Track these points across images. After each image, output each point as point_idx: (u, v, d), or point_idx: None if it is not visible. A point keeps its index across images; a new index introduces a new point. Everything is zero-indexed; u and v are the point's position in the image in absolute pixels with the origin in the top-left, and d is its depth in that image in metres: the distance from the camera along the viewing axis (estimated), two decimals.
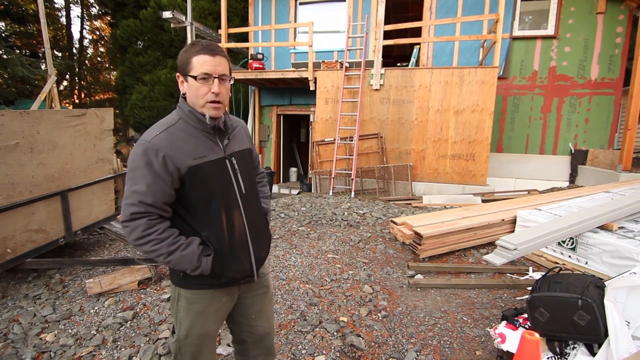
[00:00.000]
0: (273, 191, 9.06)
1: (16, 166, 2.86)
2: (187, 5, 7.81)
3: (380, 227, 4.56)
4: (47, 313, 2.63)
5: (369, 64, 6.94)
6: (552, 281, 2.00)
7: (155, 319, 2.54)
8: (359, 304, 2.74)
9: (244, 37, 10.20)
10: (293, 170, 10.16)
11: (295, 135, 11.07)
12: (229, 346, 2.20)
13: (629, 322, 1.82)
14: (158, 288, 3.01)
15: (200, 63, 1.19)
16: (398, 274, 3.28)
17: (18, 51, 12.55)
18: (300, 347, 2.24)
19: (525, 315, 2.08)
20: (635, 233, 3.05)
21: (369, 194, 6.89)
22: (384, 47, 6.84)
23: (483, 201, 5.91)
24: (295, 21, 8.58)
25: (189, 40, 7.98)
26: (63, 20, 18.55)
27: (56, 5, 17.74)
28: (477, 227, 3.76)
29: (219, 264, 1.28)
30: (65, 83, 19.31)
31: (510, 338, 2.00)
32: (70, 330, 2.44)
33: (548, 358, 1.86)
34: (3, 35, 12.82)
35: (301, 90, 8.39)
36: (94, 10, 20.33)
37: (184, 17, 7.81)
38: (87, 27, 21.05)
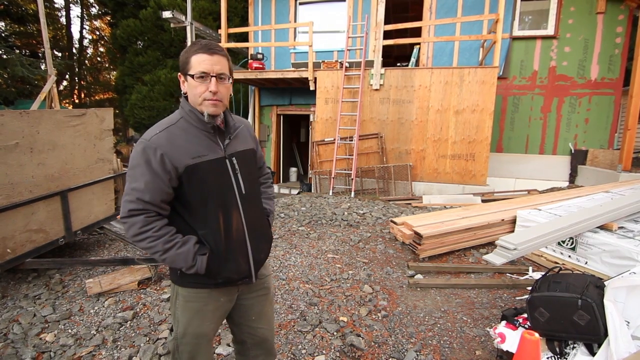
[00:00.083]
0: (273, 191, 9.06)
1: (16, 166, 2.86)
2: (187, 5, 7.81)
3: (380, 227, 4.57)
4: (47, 313, 2.63)
5: (369, 64, 6.94)
6: (552, 281, 2.00)
7: (155, 319, 2.54)
8: (358, 304, 2.74)
9: (244, 37, 10.20)
10: (293, 170, 10.16)
11: (295, 135, 11.07)
12: (229, 346, 2.20)
13: (628, 322, 1.82)
14: (158, 288, 3.01)
15: (198, 62, 1.20)
16: (398, 274, 3.28)
17: (18, 51, 12.55)
18: (300, 347, 2.24)
19: (525, 315, 2.08)
20: (635, 233, 3.05)
21: (368, 194, 6.89)
22: (384, 47, 6.84)
23: (483, 201, 5.91)
24: (295, 21, 8.58)
25: (188, 40, 7.99)
26: (63, 20, 18.56)
27: (56, 5, 17.75)
28: (476, 227, 3.76)
29: (214, 264, 1.28)
30: (65, 83, 19.32)
31: (510, 338, 2.00)
32: (70, 330, 2.44)
33: (548, 358, 1.86)
34: (3, 35, 12.82)
35: (301, 90, 8.39)
36: (93, 10, 20.34)
37: (183, 17, 7.81)
38: (87, 27, 21.07)
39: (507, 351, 1.98)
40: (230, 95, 1.34)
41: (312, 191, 7.52)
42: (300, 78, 7.50)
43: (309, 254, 3.75)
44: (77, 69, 19.51)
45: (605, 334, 1.74)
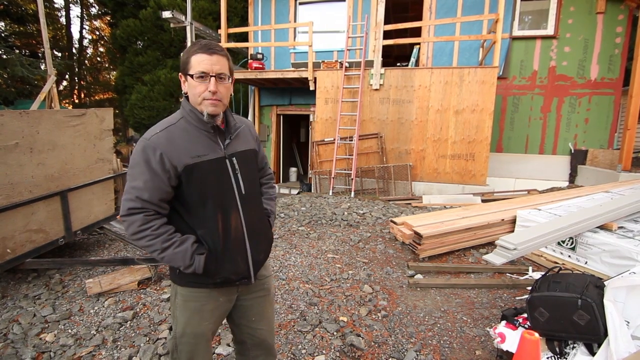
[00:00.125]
0: None
1: (16, 166, 2.86)
2: (186, 5, 7.81)
3: (380, 227, 4.57)
4: (46, 313, 2.63)
5: (369, 64, 6.94)
6: (551, 281, 2.00)
7: (155, 319, 2.54)
8: (358, 304, 2.75)
9: (243, 37, 10.20)
10: (293, 170, 10.16)
11: (295, 135, 11.07)
12: (229, 346, 2.20)
13: (628, 322, 1.82)
14: (158, 288, 3.01)
15: (198, 62, 1.20)
16: (398, 274, 3.28)
17: (17, 51, 12.55)
18: (300, 346, 2.24)
19: (525, 315, 2.08)
20: (635, 233, 3.05)
21: (368, 194, 6.89)
22: (384, 47, 6.84)
23: (483, 201, 5.91)
24: (295, 21, 8.58)
25: (188, 40, 7.99)
26: (63, 20, 18.56)
27: (56, 5, 17.74)
28: (476, 227, 3.76)
29: (212, 264, 1.28)
30: (64, 83, 19.32)
31: (510, 338, 2.00)
32: (70, 330, 2.44)
33: (548, 358, 1.86)
34: (3, 35, 12.82)
35: (301, 90, 8.39)
36: (93, 10, 20.34)
37: (183, 17, 7.81)
38: (87, 27, 21.06)
39: (507, 351, 1.98)
40: (231, 95, 1.34)
41: (312, 191, 7.51)
42: (300, 78, 7.50)
43: (308, 254, 3.75)
44: (77, 69, 19.51)
45: (605, 334, 1.74)
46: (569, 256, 3.27)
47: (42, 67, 10.84)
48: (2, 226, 2.79)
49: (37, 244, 3.09)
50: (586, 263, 3.11)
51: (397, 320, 2.54)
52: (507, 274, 3.25)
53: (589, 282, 1.91)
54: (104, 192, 3.81)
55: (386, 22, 6.93)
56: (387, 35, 6.86)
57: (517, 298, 2.85)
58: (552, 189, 6.78)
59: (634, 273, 2.06)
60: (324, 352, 2.18)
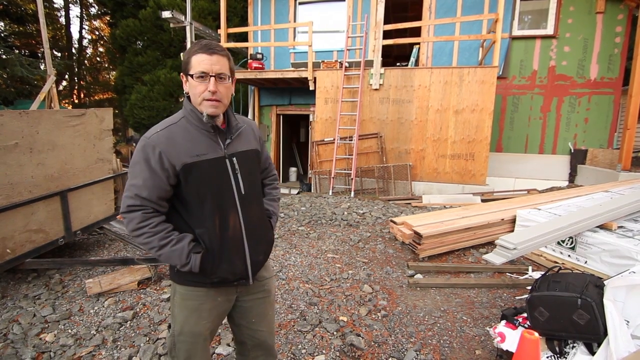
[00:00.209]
0: None
1: (15, 166, 2.86)
2: (186, 5, 7.81)
3: (380, 227, 4.57)
4: (46, 313, 2.63)
5: (369, 64, 6.94)
6: (551, 280, 2.00)
7: (155, 318, 2.54)
8: (358, 304, 2.75)
9: (243, 37, 10.20)
10: (293, 170, 10.16)
11: (295, 135, 11.07)
12: (229, 346, 2.20)
13: (628, 321, 1.82)
14: (158, 288, 3.01)
15: (198, 62, 1.21)
16: (398, 274, 3.29)
17: (17, 51, 12.55)
18: (300, 346, 2.24)
19: (525, 315, 2.08)
20: (635, 232, 3.06)
21: (368, 194, 6.89)
22: (384, 46, 6.84)
23: (482, 201, 5.91)
24: (294, 21, 8.58)
25: (188, 40, 7.98)
26: (62, 20, 18.56)
27: (55, 5, 17.75)
28: (476, 226, 3.76)
29: (209, 263, 1.28)
30: (64, 83, 19.31)
31: (510, 337, 2.00)
32: (70, 330, 2.44)
33: (547, 357, 1.86)
34: (2, 35, 12.81)
35: (301, 90, 8.39)
36: (93, 10, 20.34)
37: (183, 17, 7.81)
38: (86, 27, 21.07)
39: (506, 350, 1.99)
40: (232, 94, 1.34)
41: (312, 191, 7.52)
42: (300, 78, 7.50)
43: (308, 253, 3.75)
44: (76, 69, 19.51)
45: (605, 333, 1.74)
46: (569, 256, 3.27)
47: (42, 67, 10.85)
48: (2, 226, 2.79)
49: (37, 244, 3.09)
50: (586, 262, 3.11)
51: (397, 320, 2.54)
52: (507, 274, 3.25)
53: (589, 281, 1.91)
54: (104, 192, 3.80)
55: (386, 21, 6.93)
56: (386, 35, 6.86)
57: (517, 297, 2.85)
58: (551, 189, 6.79)
59: (634, 272, 2.06)
60: (324, 351, 2.18)
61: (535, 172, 7.70)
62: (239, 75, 7.80)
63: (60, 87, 18.75)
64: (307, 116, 9.04)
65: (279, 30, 8.62)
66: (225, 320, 1.51)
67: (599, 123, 7.30)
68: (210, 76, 1.21)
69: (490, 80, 6.26)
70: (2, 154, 2.75)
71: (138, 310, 2.67)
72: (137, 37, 11.27)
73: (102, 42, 21.56)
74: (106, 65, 21.61)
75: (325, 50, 8.44)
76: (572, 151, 7.45)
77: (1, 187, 2.76)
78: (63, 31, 18.64)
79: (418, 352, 2.18)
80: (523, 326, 2.04)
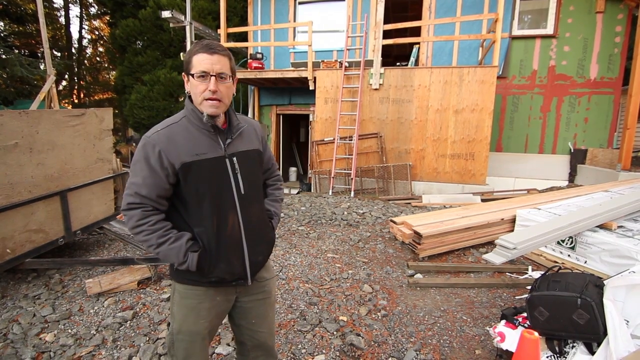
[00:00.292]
0: None
1: (15, 166, 2.85)
2: (186, 4, 7.80)
3: (380, 227, 4.57)
4: (46, 313, 2.63)
5: (369, 64, 6.94)
6: (551, 280, 2.00)
7: (155, 318, 2.54)
8: (358, 303, 2.75)
9: (243, 37, 10.19)
10: (292, 169, 10.16)
11: (295, 135, 11.07)
12: (229, 346, 2.20)
13: (628, 321, 1.82)
14: (158, 288, 3.01)
15: (199, 61, 1.22)
16: (397, 273, 3.29)
17: (17, 51, 12.55)
18: (300, 346, 2.24)
19: (525, 314, 2.08)
20: (635, 232, 3.06)
21: (368, 194, 6.89)
22: (384, 46, 6.84)
23: (482, 200, 5.91)
24: (294, 20, 8.58)
25: (188, 40, 7.98)
26: (62, 20, 18.54)
27: (55, 5, 17.74)
28: (476, 226, 3.76)
29: (206, 262, 1.28)
30: (64, 83, 19.30)
31: (510, 337, 2.00)
32: (69, 330, 2.44)
33: (547, 357, 1.87)
34: (2, 35, 12.80)
35: (300, 89, 8.39)
36: (92, 10, 20.33)
37: (183, 16, 7.80)
38: (86, 27, 21.06)
39: (506, 350, 1.99)
40: (233, 94, 1.35)
41: (312, 191, 7.52)
42: (300, 78, 7.50)
43: (308, 253, 3.75)
44: (76, 69, 19.50)
45: (605, 333, 1.74)
46: (569, 255, 3.27)
47: (42, 67, 10.84)
48: (1, 226, 2.79)
49: (36, 244, 3.08)
50: (586, 262, 3.12)
51: (397, 320, 2.54)
52: (507, 273, 3.25)
53: (589, 281, 1.92)
54: (104, 192, 3.80)
55: (386, 21, 6.93)
56: (386, 34, 6.86)
57: (516, 297, 2.85)
58: (551, 189, 6.79)
59: (634, 272, 2.06)
60: (323, 351, 2.18)
61: (535, 172, 7.71)
62: (239, 75, 7.80)
63: (60, 87, 18.74)
64: (307, 116, 9.04)
65: (278, 30, 8.62)
66: (225, 320, 1.51)
67: (598, 123, 7.30)
68: (211, 76, 1.22)
69: (490, 80, 6.26)
70: (2, 154, 2.75)
71: (138, 310, 2.67)
72: (137, 37, 11.26)
73: (101, 42, 21.56)
74: (106, 65, 21.61)
75: (325, 50, 8.44)
76: (572, 151, 7.46)
77: (1, 187, 2.76)
78: (63, 31, 18.63)
79: (418, 352, 2.18)
80: (523, 326, 2.04)
